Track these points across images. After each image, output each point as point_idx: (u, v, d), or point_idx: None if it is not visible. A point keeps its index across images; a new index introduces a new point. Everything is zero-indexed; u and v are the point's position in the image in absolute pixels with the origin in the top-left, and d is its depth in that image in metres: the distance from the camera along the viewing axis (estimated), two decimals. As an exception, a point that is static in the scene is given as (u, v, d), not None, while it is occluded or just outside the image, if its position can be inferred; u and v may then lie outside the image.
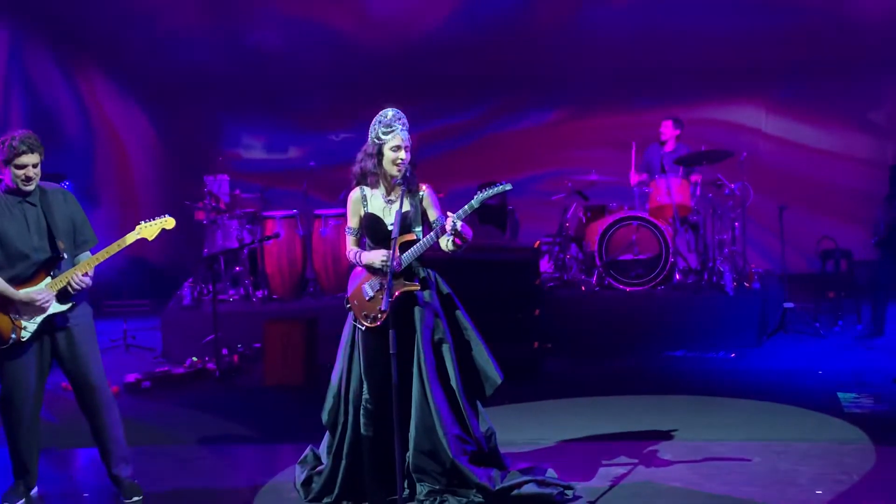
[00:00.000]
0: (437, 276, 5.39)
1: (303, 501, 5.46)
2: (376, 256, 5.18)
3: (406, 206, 5.21)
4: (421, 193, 5.29)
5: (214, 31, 12.18)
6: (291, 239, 9.94)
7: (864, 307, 9.44)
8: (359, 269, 5.32)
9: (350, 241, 5.36)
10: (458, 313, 5.38)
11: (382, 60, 12.00)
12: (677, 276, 9.67)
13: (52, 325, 5.45)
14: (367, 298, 5.21)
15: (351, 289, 5.31)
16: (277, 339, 8.40)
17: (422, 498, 5.23)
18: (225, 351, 8.89)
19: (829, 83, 11.71)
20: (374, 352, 5.19)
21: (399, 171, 5.20)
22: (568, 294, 9.69)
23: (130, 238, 5.50)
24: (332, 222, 9.88)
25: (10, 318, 5.37)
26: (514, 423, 6.72)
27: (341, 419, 5.38)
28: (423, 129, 11.03)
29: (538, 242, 10.05)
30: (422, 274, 5.28)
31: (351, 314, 5.32)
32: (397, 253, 5.07)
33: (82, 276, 5.39)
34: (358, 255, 5.29)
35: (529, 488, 5.23)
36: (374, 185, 5.30)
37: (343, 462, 5.36)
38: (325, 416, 5.45)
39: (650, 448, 6.10)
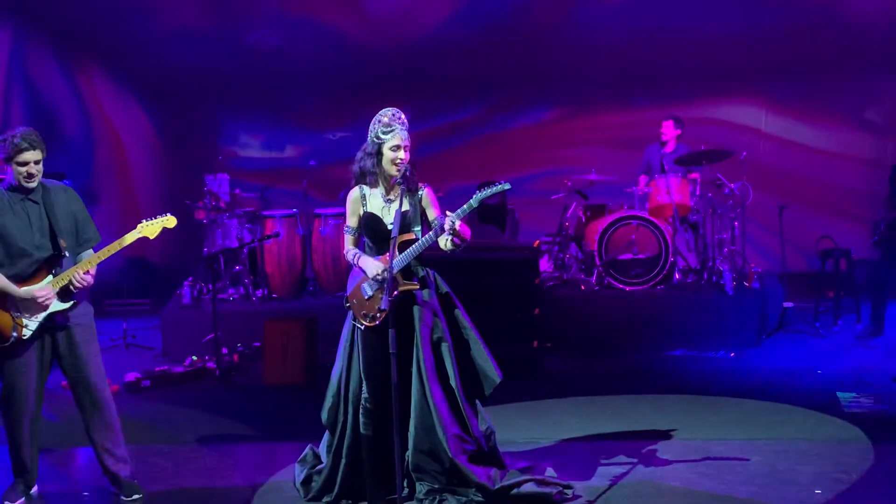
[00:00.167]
0: (436, 275, 5.40)
1: (302, 500, 5.47)
2: (372, 268, 5.17)
3: (405, 206, 5.21)
4: (420, 193, 5.29)
5: (214, 30, 12.18)
6: (291, 238, 9.94)
7: (863, 306, 9.44)
8: (358, 268, 5.32)
9: (348, 240, 5.36)
10: (457, 312, 5.38)
11: (381, 59, 12.00)
12: (677, 276, 9.67)
13: (54, 323, 5.45)
14: (366, 297, 5.21)
15: (350, 288, 5.31)
16: (277, 338, 8.40)
17: (421, 497, 5.24)
18: (225, 350, 8.89)
19: (829, 82, 11.71)
20: (373, 351, 5.20)
21: (398, 170, 5.20)
22: (567, 293, 9.69)
23: (132, 237, 5.50)
24: (331, 221, 9.88)
25: (12, 316, 5.38)
26: (514, 423, 6.73)
27: (341, 418, 5.39)
28: (422, 127, 11.03)
29: (538, 242, 10.05)
30: (421, 273, 5.28)
31: (350, 313, 5.32)
32: (397, 252, 5.08)
33: (84, 274, 5.39)
34: (357, 257, 5.29)
35: (529, 487, 5.24)
36: (373, 185, 5.30)
37: (343, 461, 5.37)
38: (324, 416, 5.46)
39: (650, 447, 6.11)
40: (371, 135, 5.26)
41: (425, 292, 5.25)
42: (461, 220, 5.03)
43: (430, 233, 5.13)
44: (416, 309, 5.21)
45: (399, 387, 5.01)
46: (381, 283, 5.12)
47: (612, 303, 9.47)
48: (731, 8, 11.44)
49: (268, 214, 10.09)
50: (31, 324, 5.40)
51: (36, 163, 5.36)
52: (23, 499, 5.59)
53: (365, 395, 5.26)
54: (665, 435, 6.38)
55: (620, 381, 8.08)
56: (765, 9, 11.38)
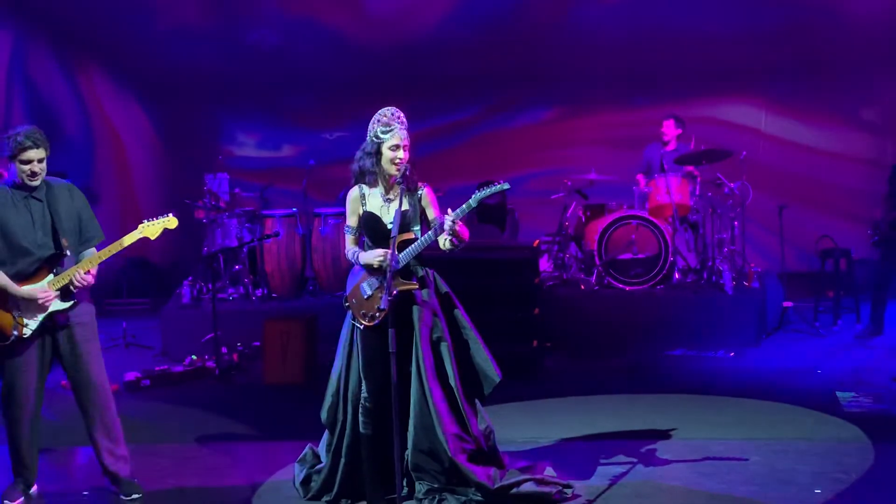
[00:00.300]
0: (436, 274, 5.39)
1: (302, 500, 5.47)
2: (374, 256, 5.19)
3: (405, 205, 5.21)
4: (420, 192, 5.29)
5: (214, 30, 12.18)
6: (291, 238, 9.94)
7: (863, 306, 9.44)
8: (357, 267, 5.32)
9: (349, 239, 5.36)
10: (457, 312, 5.38)
11: (381, 59, 12.00)
12: (676, 276, 9.67)
13: (54, 322, 5.45)
14: (365, 297, 5.21)
15: (349, 287, 5.31)
16: (277, 337, 8.40)
17: (420, 497, 5.24)
18: (224, 349, 8.89)
19: (828, 82, 11.72)
20: (372, 350, 5.19)
21: (398, 170, 5.20)
22: (567, 293, 9.69)
23: (133, 237, 5.49)
24: (331, 221, 9.88)
25: (13, 315, 5.38)
26: (514, 422, 6.73)
27: (340, 417, 5.39)
28: (422, 127, 11.04)
29: (538, 241, 10.05)
30: (420, 273, 5.28)
31: (349, 313, 5.32)
32: (396, 252, 5.07)
33: (84, 273, 5.39)
34: (356, 254, 5.29)
35: (528, 487, 5.24)
36: (372, 184, 5.30)
37: (342, 460, 5.37)
38: (323, 415, 5.46)
39: (649, 447, 6.11)
40: (370, 134, 5.25)
41: (424, 292, 5.25)
42: (460, 219, 5.03)
43: (430, 232, 5.13)
44: (415, 308, 5.21)
45: (398, 386, 5.01)
46: (381, 282, 5.12)
47: (611, 302, 9.47)
48: (731, 8, 11.44)
49: (267, 214, 10.10)
50: (31, 323, 5.40)
51: (39, 161, 5.36)
52: (22, 498, 5.59)
53: (364, 394, 5.26)
54: (665, 434, 6.38)
55: (620, 380, 8.08)
56: (764, 9, 11.38)
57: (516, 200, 10.89)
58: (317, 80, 12.35)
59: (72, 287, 5.40)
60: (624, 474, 5.65)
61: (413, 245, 5.15)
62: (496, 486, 5.21)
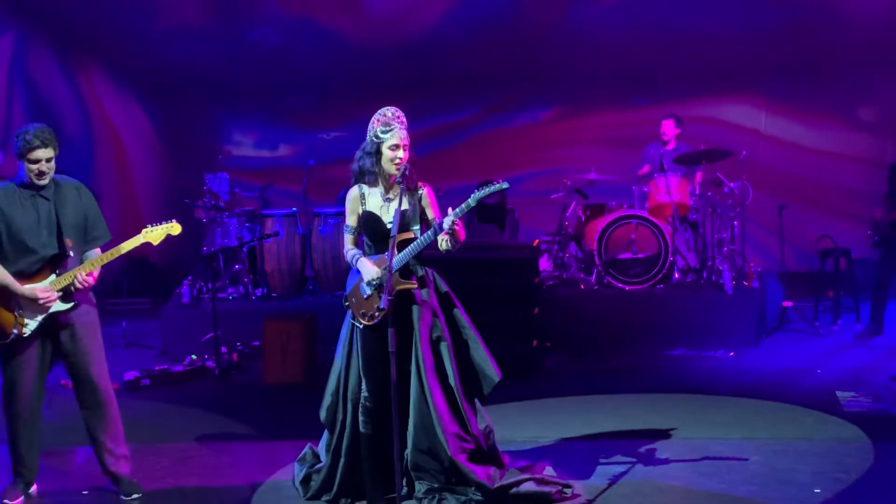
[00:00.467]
0: (436, 274, 5.39)
1: (301, 499, 5.47)
2: (369, 273, 5.17)
3: (404, 205, 5.21)
4: (420, 192, 5.29)
5: (214, 30, 12.18)
6: (291, 237, 9.94)
7: (863, 306, 9.44)
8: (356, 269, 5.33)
9: (348, 239, 5.36)
10: (456, 312, 5.38)
11: (380, 59, 12.00)
12: (676, 275, 9.67)
13: (56, 322, 5.45)
14: (365, 297, 5.21)
15: (349, 287, 5.31)
16: (276, 337, 8.40)
17: (420, 496, 5.24)
18: (224, 349, 8.89)
19: (828, 82, 11.73)
20: (372, 350, 5.19)
21: (398, 169, 5.20)
22: (567, 293, 9.69)
23: (135, 242, 5.49)
24: (331, 220, 9.88)
25: (14, 314, 5.38)
26: (514, 422, 6.73)
27: (339, 417, 5.39)
28: (421, 127, 11.03)
29: (537, 241, 10.05)
30: (420, 272, 5.28)
31: (349, 312, 5.32)
32: (396, 251, 5.08)
33: (86, 275, 5.38)
34: (355, 258, 5.28)
35: (528, 486, 5.24)
36: (372, 184, 5.30)
37: (342, 459, 5.37)
38: (323, 414, 5.46)
39: (649, 446, 6.10)
40: (370, 134, 5.25)
41: (424, 291, 5.25)
42: (459, 218, 5.03)
43: (429, 231, 5.13)
44: (415, 308, 5.21)
45: (398, 386, 5.01)
46: (380, 283, 5.12)
47: (611, 302, 9.47)
48: (731, 8, 11.45)
49: (267, 213, 10.10)
50: (31, 323, 5.40)
51: (47, 161, 5.36)
52: (22, 497, 5.59)
53: (364, 393, 5.26)
54: (664, 434, 6.38)
55: (620, 380, 8.08)
56: (764, 9, 11.38)
57: (516, 200, 10.89)
58: (316, 79, 12.35)
59: (73, 288, 5.40)
60: (624, 474, 5.65)
61: (412, 245, 5.15)
62: (496, 485, 5.21)
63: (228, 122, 13.08)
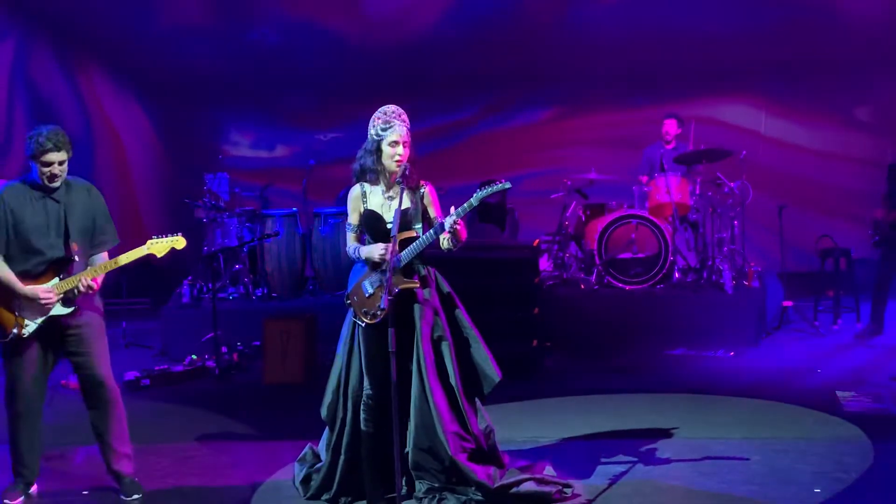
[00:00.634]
0: (438, 274, 5.40)
1: (302, 499, 5.47)
2: (375, 250, 5.19)
3: (406, 203, 5.21)
4: (422, 191, 5.29)
5: (214, 30, 12.19)
6: (291, 237, 9.94)
7: (863, 305, 9.44)
8: (358, 265, 5.33)
9: (350, 237, 5.36)
10: (458, 312, 5.38)
11: (379, 59, 12.00)
12: (676, 275, 9.67)
13: (59, 324, 5.45)
14: (367, 295, 5.21)
15: (351, 285, 5.31)
16: (277, 337, 8.40)
17: (420, 495, 5.23)
18: (224, 349, 8.90)
19: (827, 82, 11.73)
20: (374, 348, 5.19)
21: (398, 166, 5.20)
22: (567, 292, 9.69)
23: (139, 252, 5.50)
24: (331, 220, 9.88)
25: (14, 313, 5.38)
26: (514, 421, 6.73)
27: (340, 414, 5.39)
28: (421, 127, 11.03)
29: (537, 241, 10.06)
30: (422, 272, 5.28)
31: (351, 310, 5.32)
32: (397, 251, 5.08)
33: (90, 281, 5.38)
34: (357, 249, 5.30)
35: (528, 486, 5.24)
36: (373, 182, 5.30)
37: (342, 457, 5.37)
38: (323, 412, 5.46)
39: (649, 446, 6.11)
40: (371, 132, 5.26)
41: (426, 291, 5.25)
42: (461, 218, 5.03)
43: (431, 231, 5.13)
44: (416, 307, 5.21)
45: (399, 385, 5.02)
46: (382, 281, 5.12)
47: (611, 302, 9.47)
48: (731, 8, 11.45)
49: (267, 213, 10.10)
50: (30, 324, 5.40)
51: (60, 164, 5.35)
52: (22, 497, 5.59)
53: (367, 391, 5.26)
54: (665, 434, 6.38)
55: (620, 380, 8.07)
56: (764, 9, 11.39)
57: (516, 200, 10.90)
58: (316, 80, 12.36)
59: (76, 292, 5.39)
60: (624, 473, 5.65)
61: (414, 244, 5.15)
62: (496, 485, 5.21)
63: (228, 122, 13.08)
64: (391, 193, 5.26)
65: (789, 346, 9.06)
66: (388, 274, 5.01)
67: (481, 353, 5.36)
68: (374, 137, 5.25)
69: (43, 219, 5.39)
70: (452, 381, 5.23)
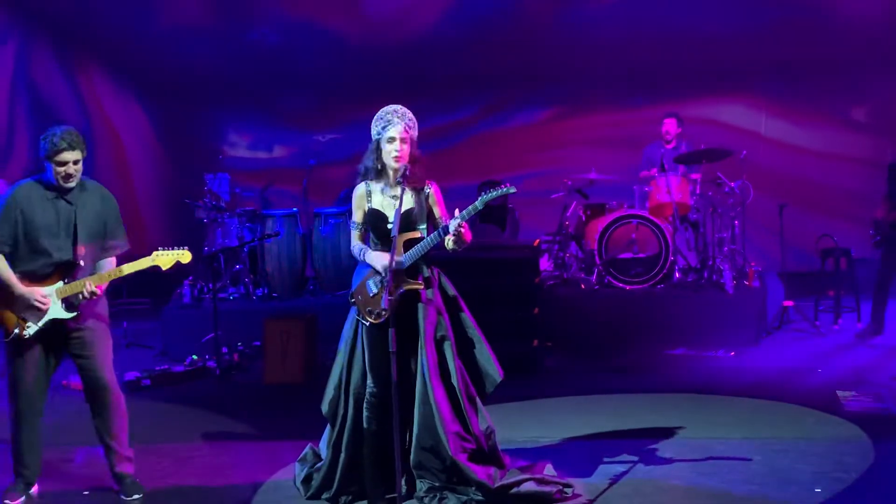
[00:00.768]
0: (444, 276, 5.40)
1: (303, 499, 5.47)
2: (378, 260, 5.19)
3: (410, 204, 5.22)
4: (427, 191, 5.29)
5: (214, 30, 12.19)
6: (291, 237, 9.94)
7: (863, 305, 9.44)
8: (363, 263, 5.33)
9: (354, 235, 5.38)
10: (463, 315, 5.39)
11: (379, 59, 12.00)
12: (677, 275, 9.67)
13: (64, 327, 5.44)
14: (371, 295, 5.22)
15: (355, 284, 5.32)
16: (277, 337, 8.41)
17: (421, 495, 5.24)
18: (225, 349, 8.90)
19: (827, 83, 11.73)
20: (378, 348, 5.18)
21: (397, 162, 5.20)
22: (568, 292, 9.69)
23: (145, 263, 5.50)
24: (332, 221, 9.88)
25: (17, 314, 5.38)
26: (514, 421, 6.73)
27: (341, 411, 5.39)
28: (421, 127, 11.01)
29: (538, 241, 10.06)
30: (426, 273, 5.28)
31: (354, 308, 5.32)
32: (396, 252, 5.08)
33: (94, 287, 5.37)
34: (363, 252, 5.30)
35: (528, 486, 5.24)
36: (378, 181, 5.30)
37: (342, 455, 5.37)
38: (324, 408, 5.46)
39: (650, 446, 6.11)
40: (372, 131, 5.28)
41: (429, 291, 5.25)
42: (465, 220, 5.04)
43: (435, 233, 5.13)
44: (420, 307, 5.21)
45: (402, 384, 5.03)
46: (384, 281, 5.13)
47: (612, 302, 9.47)
48: (731, 8, 11.44)
49: (268, 213, 10.10)
50: (31, 325, 5.40)
51: (75, 163, 5.34)
52: (23, 497, 5.59)
53: (370, 390, 5.26)
54: (665, 433, 6.38)
55: (620, 380, 8.07)
56: (764, 9, 11.39)
57: (516, 200, 10.89)
58: (315, 80, 12.36)
59: (81, 298, 5.39)
60: (624, 473, 5.65)
61: (418, 246, 5.15)
62: (496, 485, 5.21)
63: (227, 122, 13.08)
64: (395, 193, 5.26)
65: (790, 345, 9.06)
66: (388, 275, 5.01)
67: (484, 354, 5.38)
68: (375, 136, 5.26)
69: (53, 219, 5.38)
70: (454, 381, 5.23)
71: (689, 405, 7.19)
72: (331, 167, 11.38)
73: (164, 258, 5.53)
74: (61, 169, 5.32)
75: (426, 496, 5.22)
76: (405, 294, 5.13)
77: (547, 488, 5.26)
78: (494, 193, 5.05)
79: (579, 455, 5.99)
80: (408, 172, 5.18)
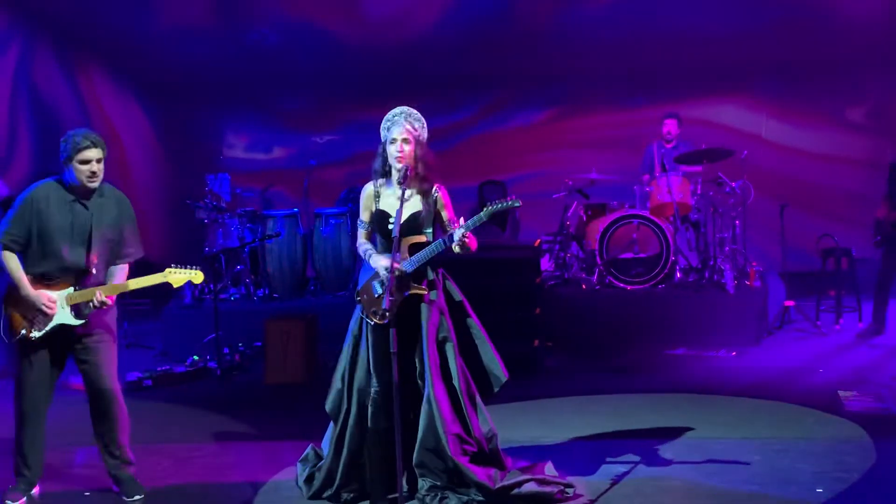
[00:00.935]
0: (450, 280, 5.41)
1: (304, 498, 5.47)
2: (381, 264, 5.19)
3: (417, 207, 5.23)
4: (435, 195, 5.29)
5: (214, 31, 12.18)
6: (292, 238, 9.94)
7: (865, 305, 9.44)
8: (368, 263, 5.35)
9: (361, 233, 5.39)
10: (470, 321, 5.40)
11: (378, 59, 11.99)
12: (678, 275, 9.67)
13: (71, 331, 5.44)
14: (376, 295, 5.22)
15: (361, 282, 5.33)
16: (278, 337, 8.41)
17: (423, 494, 5.24)
18: (226, 349, 8.90)
19: (827, 84, 11.73)
20: (382, 347, 5.19)
21: (400, 163, 5.20)
22: (568, 292, 9.70)
23: (157, 279, 5.51)
24: (332, 221, 9.88)
25: (25, 315, 5.38)
26: (515, 421, 6.73)
27: (344, 407, 5.40)
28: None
29: (539, 241, 10.06)
30: (430, 276, 5.28)
31: (359, 306, 5.32)
32: (398, 253, 5.08)
33: (104, 298, 5.37)
34: (368, 254, 5.31)
35: (529, 487, 5.24)
36: (387, 182, 5.31)
37: (344, 451, 5.38)
38: (328, 405, 5.46)
39: (650, 446, 6.10)
40: (381, 133, 5.29)
41: (432, 293, 5.26)
42: (469, 231, 5.06)
43: (440, 241, 5.14)
44: (423, 308, 5.21)
45: (404, 385, 5.04)
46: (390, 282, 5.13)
47: (613, 302, 9.47)
48: (731, 8, 11.44)
49: (269, 214, 10.10)
50: (38, 327, 5.40)
51: (98, 161, 5.35)
52: (24, 498, 5.59)
53: (375, 387, 5.26)
54: (666, 433, 6.38)
55: (621, 380, 8.08)
56: (764, 10, 11.38)
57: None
58: (315, 81, 12.36)
59: (91, 306, 5.38)
60: (625, 473, 5.65)
61: (422, 252, 5.16)
62: (497, 486, 5.21)
63: (227, 123, 13.08)
64: (400, 194, 5.25)
65: (791, 345, 9.06)
66: (389, 278, 5.02)
67: (489, 355, 5.39)
68: (382, 137, 5.27)
69: (68, 223, 5.36)
70: (455, 382, 5.23)
71: (689, 405, 7.19)
72: (331, 168, 11.39)
73: (176, 276, 5.54)
74: (85, 167, 5.31)
75: (427, 495, 5.22)
76: (409, 297, 5.14)
77: (548, 489, 5.26)
78: (500, 206, 5.08)
79: (580, 455, 5.99)
80: (408, 172, 5.17)
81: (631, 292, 9.48)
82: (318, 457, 5.63)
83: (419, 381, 5.21)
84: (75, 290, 5.39)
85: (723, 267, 9.51)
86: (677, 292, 9.51)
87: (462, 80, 12.26)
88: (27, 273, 5.37)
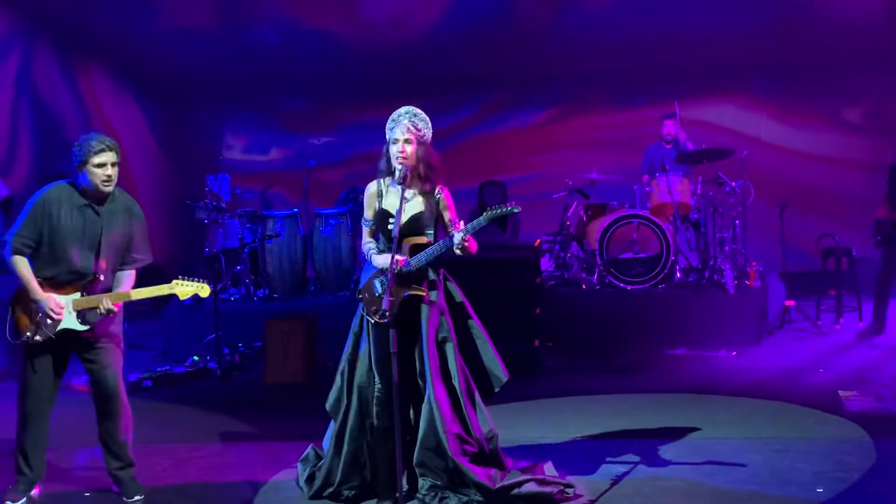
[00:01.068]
0: (452, 282, 5.41)
1: (305, 498, 5.47)
2: (385, 262, 5.20)
3: (419, 207, 5.22)
4: (437, 196, 5.29)
5: (214, 31, 12.19)
6: (292, 238, 9.94)
7: (865, 305, 9.44)
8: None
9: (365, 232, 5.40)
10: (471, 322, 5.40)
11: (377, 60, 12.00)
12: (678, 275, 9.67)
13: (78, 335, 5.44)
14: (377, 294, 5.22)
15: (363, 280, 5.33)
16: (278, 337, 8.41)
17: (423, 493, 5.24)
18: (226, 350, 8.90)
19: (827, 84, 11.74)
20: (382, 346, 5.19)
21: (400, 163, 5.20)
22: (569, 292, 9.70)
23: (163, 290, 5.52)
24: (332, 221, 9.89)
25: (31, 317, 5.37)
26: (515, 421, 6.72)
27: (344, 404, 5.40)
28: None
29: (539, 241, 10.05)
30: (431, 276, 5.28)
31: (361, 305, 5.33)
32: (398, 253, 5.09)
33: (112, 305, 5.37)
34: (370, 253, 5.32)
35: (529, 487, 5.24)
36: (392, 182, 5.31)
37: (345, 448, 5.38)
38: (328, 402, 5.46)
39: (650, 446, 6.10)
40: (386, 133, 5.29)
41: (433, 293, 5.26)
42: (470, 234, 5.07)
43: (440, 244, 5.15)
44: (423, 308, 5.22)
45: (405, 384, 5.04)
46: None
47: (613, 302, 9.47)
48: (731, 8, 11.45)
49: (269, 214, 10.10)
50: (42, 330, 5.39)
51: (113, 165, 5.32)
52: (24, 499, 5.59)
53: (377, 385, 5.26)
54: (666, 433, 6.38)
55: (621, 379, 8.07)
56: (764, 10, 11.39)
57: (517, 200, 10.85)
58: (314, 81, 12.36)
59: (98, 313, 5.38)
60: (625, 473, 5.65)
61: (423, 253, 5.16)
62: (497, 486, 5.22)
63: (226, 123, 13.09)
64: (406, 195, 5.25)
65: (791, 345, 9.06)
66: (389, 277, 5.02)
67: (490, 355, 5.40)
68: (386, 138, 5.27)
69: (79, 228, 5.35)
70: (455, 382, 5.24)
71: (690, 405, 7.19)
72: (331, 168, 11.38)
73: (183, 289, 5.55)
74: (100, 171, 5.29)
75: (427, 495, 5.22)
76: (409, 298, 5.14)
77: (548, 489, 5.26)
78: (500, 211, 5.10)
79: (580, 455, 5.99)
80: (409, 173, 5.17)
81: (631, 292, 9.48)
82: (319, 457, 5.63)
83: (419, 381, 5.21)
84: (82, 295, 5.39)
85: (723, 267, 9.52)
86: (677, 292, 9.51)
87: (462, 80, 12.27)
88: (36, 276, 5.37)
